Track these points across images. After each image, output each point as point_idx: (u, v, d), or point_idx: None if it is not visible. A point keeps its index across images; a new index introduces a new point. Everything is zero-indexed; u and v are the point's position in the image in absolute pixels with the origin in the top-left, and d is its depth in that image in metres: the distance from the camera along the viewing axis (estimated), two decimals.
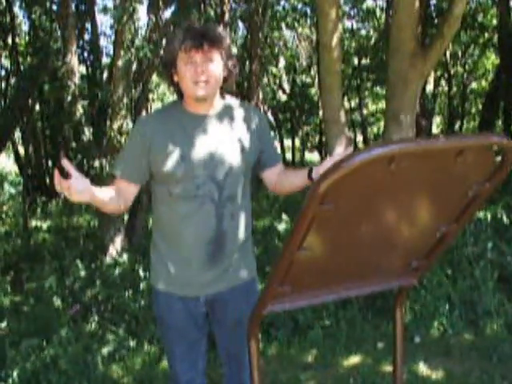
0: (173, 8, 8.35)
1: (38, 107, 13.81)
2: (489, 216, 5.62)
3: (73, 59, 6.68)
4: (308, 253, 1.60)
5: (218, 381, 3.29)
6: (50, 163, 14.37)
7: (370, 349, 4.10)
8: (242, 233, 2.29)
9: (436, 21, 10.89)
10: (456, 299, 4.27)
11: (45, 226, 10.39)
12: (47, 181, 14.17)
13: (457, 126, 17.84)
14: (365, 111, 20.99)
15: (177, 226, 2.21)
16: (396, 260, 1.96)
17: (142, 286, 4.93)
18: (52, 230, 9.82)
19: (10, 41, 12.90)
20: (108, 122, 6.78)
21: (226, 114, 2.27)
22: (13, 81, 13.70)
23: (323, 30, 4.64)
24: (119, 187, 2.22)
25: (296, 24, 18.15)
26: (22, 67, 12.48)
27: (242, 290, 2.34)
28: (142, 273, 5.24)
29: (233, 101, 2.34)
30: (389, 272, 2.00)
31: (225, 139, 2.22)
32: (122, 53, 6.38)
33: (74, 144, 14.42)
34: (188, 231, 2.20)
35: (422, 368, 3.72)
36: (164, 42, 7.79)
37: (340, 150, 1.82)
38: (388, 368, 3.79)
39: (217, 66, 2.14)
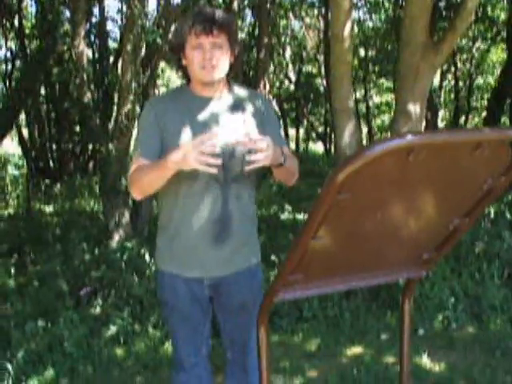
0: None
1: (43, 90, 13.78)
2: (492, 211, 5.62)
3: (82, 43, 6.65)
4: (322, 241, 1.61)
5: (220, 366, 3.32)
6: (54, 147, 14.36)
7: (374, 339, 4.12)
8: (246, 215, 2.31)
9: (444, 14, 10.84)
10: (460, 293, 4.28)
11: (48, 209, 10.41)
12: (51, 164, 14.17)
13: (462, 121, 17.79)
14: (370, 103, 20.92)
15: (183, 206, 2.22)
16: (407, 251, 1.97)
17: (148, 271, 4.94)
18: (55, 214, 9.83)
19: (16, 23, 12.88)
20: (116, 107, 6.75)
21: (232, 98, 2.30)
22: (17, 63, 13.69)
23: (335, 20, 4.64)
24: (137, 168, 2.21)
25: (303, 14, 18.09)
26: (28, 50, 12.46)
27: (246, 275, 2.35)
28: (147, 258, 5.26)
29: (239, 87, 2.37)
30: (399, 263, 2.01)
31: (230, 122, 2.24)
32: (131, 37, 6.34)
33: (78, 128, 14.52)
34: (194, 211, 2.21)
35: (426, 360, 3.73)
36: (173, 27, 7.79)
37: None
38: (391, 359, 3.81)
39: (225, 52, 2.17)
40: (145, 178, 2.15)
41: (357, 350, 4.01)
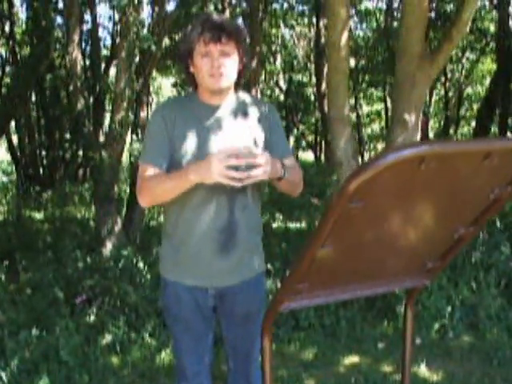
0: (175, 2, 8.37)
1: (33, 97, 13.70)
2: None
3: (76, 49, 6.63)
4: (330, 250, 1.60)
5: (220, 376, 3.30)
6: (44, 153, 14.28)
7: (371, 348, 4.12)
8: (252, 225, 2.30)
9: (439, 24, 10.93)
10: (457, 302, 4.29)
11: (38, 216, 10.33)
12: (41, 171, 14.08)
13: (451, 130, 17.90)
14: (360, 112, 21.00)
15: (189, 214, 2.21)
16: (411, 260, 1.97)
17: (142, 278, 4.91)
18: (46, 221, 9.76)
19: (7, 29, 12.81)
20: (109, 114, 6.73)
21: (239, 106, 2.29)
22: (7, 69, 13.61)
23: (332, 28, 4.64)
24: (150, 174, 2.20)
25: (294, 23, 18.15)
26: (19, 56, 12.40)
27: (251, 284, 2.35)
28: (141, 265, 5.23)
29: (245, 95, 2.36)
30: (403, 272, 2.01)
31: (237, 130, 2.23)
32: (125, 44, 6.33)
33: (68, 135, 14.45)
34: (200, 220, 2.20)
35: (424, 369, 3.73)
36: (166, 35, 7.80)
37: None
38: (389, 368, 3.81)
39: (233, 60, 2.17)
40: (160, 187, 2.15)
41: (354, 358, 4.00)
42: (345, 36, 4.60)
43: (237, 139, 2.19)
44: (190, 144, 2.17)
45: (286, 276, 1.73)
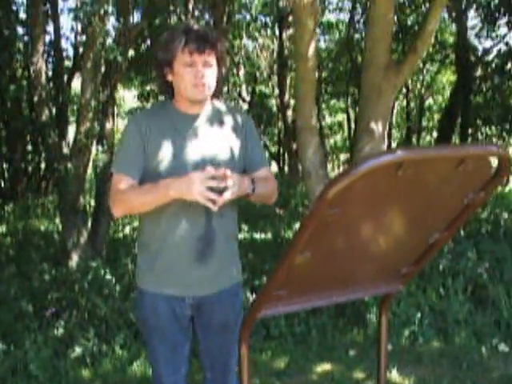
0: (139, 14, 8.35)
1: None
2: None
3: (40, 60, 6.56)
4: (308, 257, 1.61)
5: None
6: (5, 166, 14.04)
7: (342, 356, 4.14)
8: (229, 232, 2.30)
9: (401, 36, 11.14)
10: (426, 308, 4.35)
11: (0, 229, 10.14)
12: (2, 184, 13.84)
13: (414, 140, 18.17)
14: (323, 123, 21.18)
15: (166, 223, 2.20)
16: (387, 266, 1.99)
17: (111, 290, 4.86)
18: (9, 234, 9.58)
19: None
20: (75, 125, 6.67)
21: (216, 115, 2.29)
22: None
23: (300, 39, 4.69)
24: (125, 185, 2.18)
25: (257, 34, 18.25)
26: None
27: (228, 294, 2.34)
28: (109, 277, 5.17)
29: (220, 104, 2.37)
30: (378, 278, 2.03)
31: (215, 139, 2.24)
32: (91, 55, 6.30)
33: (30, 147, 14.23)
34: (178, 228, 2.19)
35: (395, 375, 3.77)
36: (131, 46, 7.76)
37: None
38: (361, 375, 3.84)
39: (214, 70, 2.19)
40: (137, 199, 2.14)
41: (326, 366, 4.02)
42: (312, 46, 4.66)
43: (214, 148, 2.21)
44: (167, 153, 2.17)
45: (264, 284, 1.73)
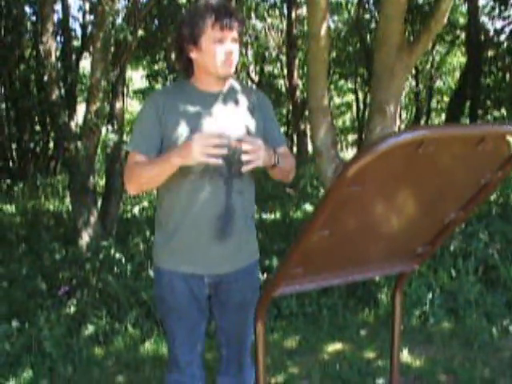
0: None
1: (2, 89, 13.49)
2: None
3: (50, 39, 6.53)
4: (327, 234, 1.61)
5: (211, 364, 3.30)
6: (14, 146, 14.08)
7: (353, 335, 4.16)
8: (248, 210, 2.30)
9: (412, 17, 11.02)
10: (437, 289, 4.35)
11: (10, 209, 10.18)
12: (11, 164, 13.89)
13: (423, 122, 18.09)
14: (331, 104, 21.10)
15: (186, 200, 2.20)
16: (403, 245, 1.99)
17: (123, 269, 4.88)
18: (18, 213, 9.62)
19: None
20: (84, 105, 6.65)
21: (234, 93, 2.29)
22: None
23: (312, 19, 4.65)
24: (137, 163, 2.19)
25: (266, 14, 18.13)
26: None
27: (246, 272, 2.35)
28: (119, 256, 5.19)
29: (237, 82, 2.36)
30: (394, 257, 2.03)
31: (233, 117, 2.23)
32: (101, 34, 6.26)
33: (38, 127, 14.25)
34: (197, 206, 2.19)
35: (406, 355, 3.78)
36: (141, 25, 7.71)
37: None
38: (372, 354, 3.85)
39: (239, 46, 2.19)
40: (145, 174, 2.14)
41: (337, 345, 4.04)
42: (324, 25, 4.62)
43: (232, 125, 2.20)
44: (185, 131, 2.16)
45: (282, 261, 1.73)
